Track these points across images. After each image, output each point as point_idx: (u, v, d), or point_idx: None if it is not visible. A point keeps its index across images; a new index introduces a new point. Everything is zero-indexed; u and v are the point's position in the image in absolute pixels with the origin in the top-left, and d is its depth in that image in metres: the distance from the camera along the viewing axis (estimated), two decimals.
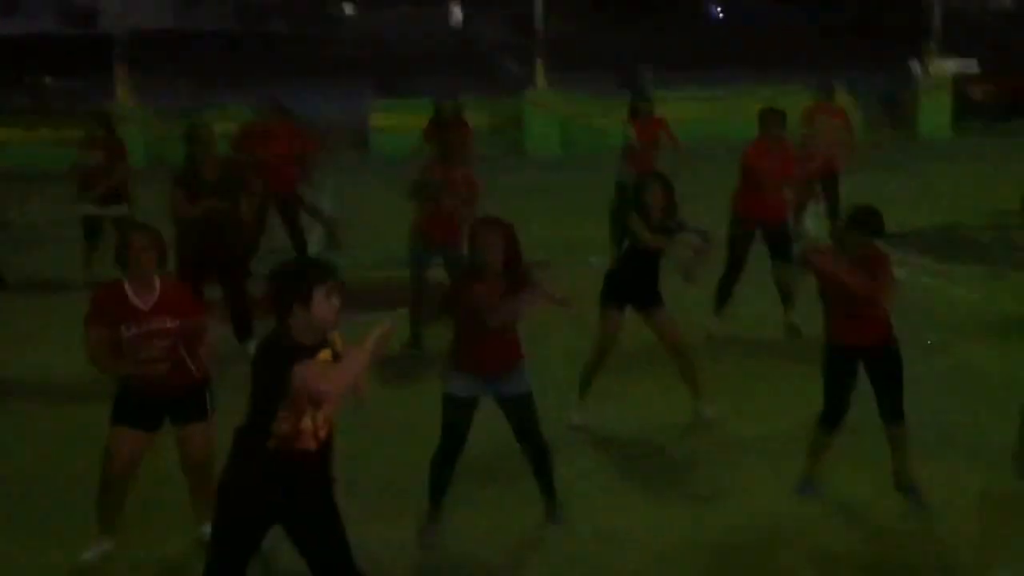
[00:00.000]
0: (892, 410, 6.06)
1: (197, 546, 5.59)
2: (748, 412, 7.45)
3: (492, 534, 5.95)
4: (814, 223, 12.17)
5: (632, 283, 7.16)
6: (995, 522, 6.00)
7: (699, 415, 7.31)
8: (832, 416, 6.10)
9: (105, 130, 10.99)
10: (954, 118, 20.34)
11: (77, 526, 5.79)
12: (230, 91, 24.98)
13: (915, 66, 20.71)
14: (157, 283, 5.50)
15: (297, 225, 11.23)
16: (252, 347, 8.20)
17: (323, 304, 4.24)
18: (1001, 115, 21.16)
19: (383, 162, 18.20)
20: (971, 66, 21.91)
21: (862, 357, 6.00)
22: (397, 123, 19.00)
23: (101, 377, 5.76)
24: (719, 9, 32.42)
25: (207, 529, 5.56)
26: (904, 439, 6.10)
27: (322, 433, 4.39)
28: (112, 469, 5.58)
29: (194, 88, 26.71)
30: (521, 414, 5.82)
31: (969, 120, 20.48)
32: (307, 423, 4.32)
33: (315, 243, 12.17)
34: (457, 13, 34.48)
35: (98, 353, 5.46)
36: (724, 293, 9.07)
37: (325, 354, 4.30)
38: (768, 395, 7.75)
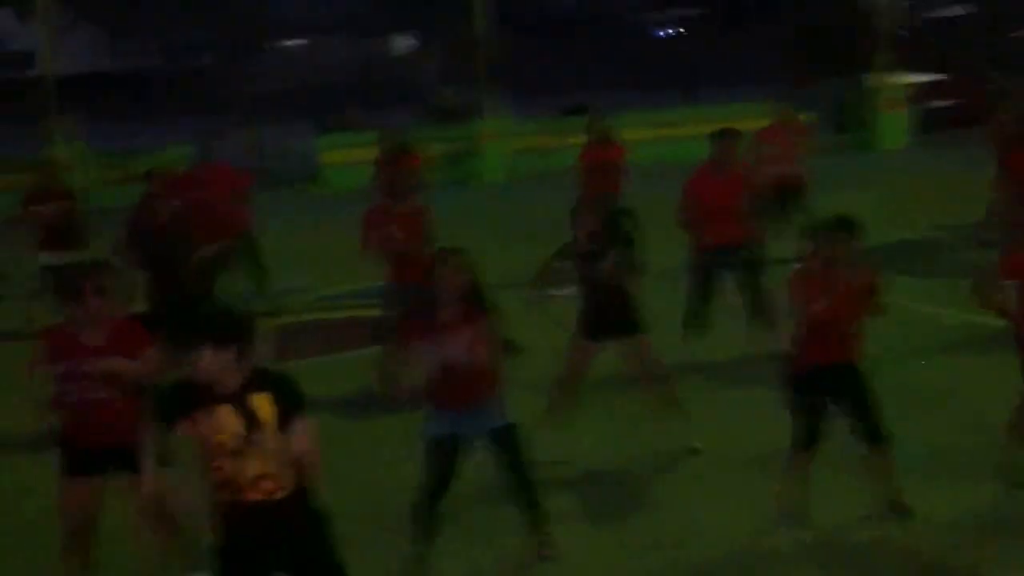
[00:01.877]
0: (870, 433, 6.06)
1: None
2: (723, 442, 7.44)
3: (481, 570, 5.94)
4: (782, 244, 12.24)
5: (603, 316, 7.14)
6: (979, 538, 6.03)
7: (686, 445, 7.30)
8: (803, 445, 6.08)
9: (55, 181, 10.94)
10: (911, 130, 20.62)
11: None
12: (165, 130, 24.79)
13: (869, 79, 21.03)
14: (108, 323, 5.48)
15: (257, 264, 11.20)
16: None
17: (203, 358, 4.25)
18: (958, 124, 21.52)
19: (334, 197, 18.18)
20: (926, 77, 22.29)
21: (826, 377, 5.99)
22: (347, 157, 19.00)
23: (46, 428, 5.68)
24: (666, 29, 32.82)
25: None
26: (885, 461, 6.12)
27: (265, 484, 4.31)
28: (68, 522, 5.53)
29: (129, 129, 26.52)
30: (506, 447, 5.81)
31: (926, 131, 20.79)
32: (229, 472, 4.29)
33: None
34: (399, 42, 34.62)
35: (42, 392, 5.44)
36: (694, 320, 9.06)
37: (224, 411, 4.26)
38: (744, 423, 7.75)
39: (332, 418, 8.04)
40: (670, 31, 32.63)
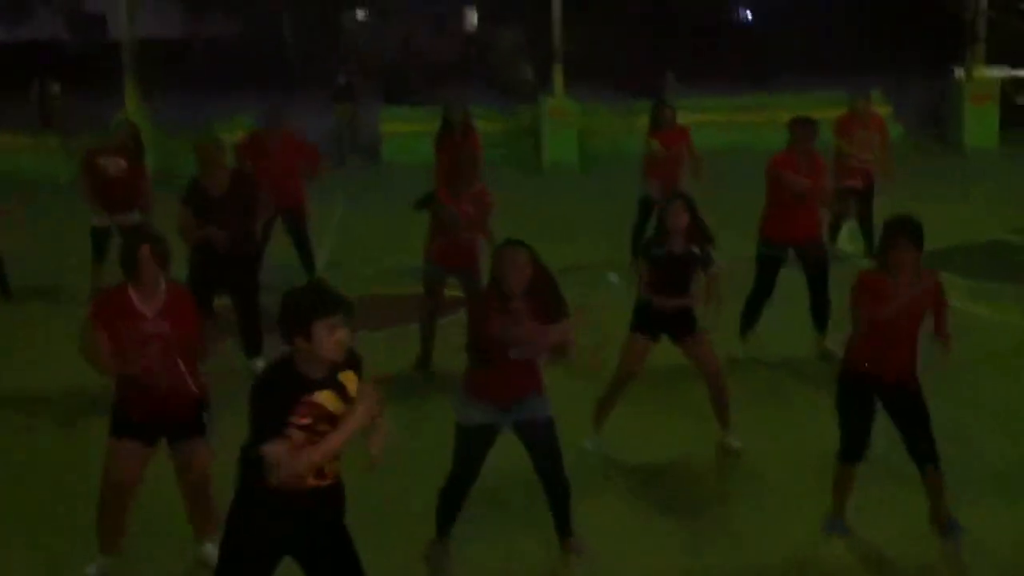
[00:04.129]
0: (922, 452, 5.80)
1: (198, 566, 5.68)
2: (773, 444, 7.24)
3: (502, 566, 5.84)
4: (849, 242, 11.92)
5: (664, 313, 6.96)
6: None
7: (725, 447, 7.13)
8: (850, 449, 5.89)
9: (132, 140, 10.78)
10: (1001, 128, 19.90)
11: (80, 542, 5.78)
12: (240, 99, 24.93)
13: (959, 72, 20.42)
14: (163, 290, 5.53)
15: (305, 240, 11.11)
16: (260, 364, 8.26)
17: (324, 338, 4.15)
18: None
19: (394, 170, 18.17)
20: (1018, 72, 21.60)
21: (879, 389, 5.76)
22: (408, 130, 18.96)
23: (103, 390, 5.77)
24: (747, 12, 32.21)
25: (208, 548, 5.62)
26: (938, 481, 5.83)
27: (327, 469, 4.31)
28: (111, 485, 5.57)
29: (204, 97, 26.75)
30: (541, 442, 5.63)
31: (1017, 130, 20.14)
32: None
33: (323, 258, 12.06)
34: (472, 19, 34.54)
35: (94, 353, 5.53)
36: (750, 316, 8.84)
37: (326, 396, 4.20)
38: (796, 426, 7.54)
39: None
40: (749, 17, 32.06)
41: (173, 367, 5.47)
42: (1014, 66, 21.36)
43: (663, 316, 6.95)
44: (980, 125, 19.83)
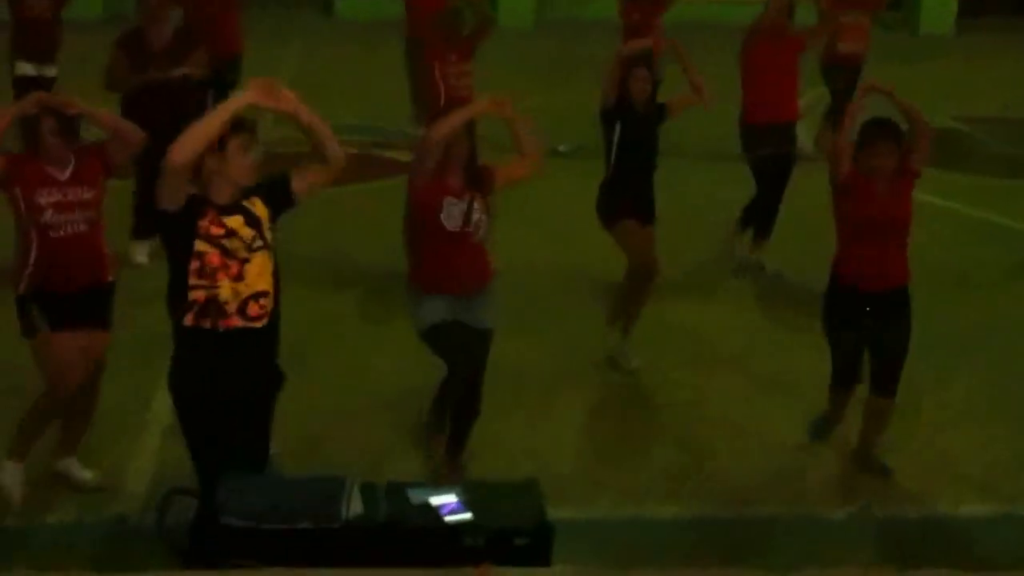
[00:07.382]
0: (887, 378, 5.60)
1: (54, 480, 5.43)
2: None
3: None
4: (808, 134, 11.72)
5: (635, 191, 6.81)
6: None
7: (616, 354, 6.98)
8: (843, 373, 5.72)
9: None
10: (958, 13, 19.89)
11: None
12: None
13: None
14: (72, 155, 5.22)
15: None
16: (141, 256, 8.20)
17: (237, 156, 4.31)
18: (1009, 12, 20.93)
19: (348, 26, 17.84)
20: None
21: (872, 304, 5.48)
22: None
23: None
24: None
25: (66, 464, 5.44)
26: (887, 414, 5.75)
27: (252, 311, 4.32)
28: (63, 384, 5.18)
29: None
30: (482, 352, 5.56)
31: (974, 16, 20.18)
32: (225, 291, 4.28)
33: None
34: None
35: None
36: (751, 220, 8.59)
37: (236, 220, 4.30)
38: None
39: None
40: None
41: (95, 234, 5.22)
42: None
43: (646, 200, 6.82)
44: (937, 10, 19.82)
